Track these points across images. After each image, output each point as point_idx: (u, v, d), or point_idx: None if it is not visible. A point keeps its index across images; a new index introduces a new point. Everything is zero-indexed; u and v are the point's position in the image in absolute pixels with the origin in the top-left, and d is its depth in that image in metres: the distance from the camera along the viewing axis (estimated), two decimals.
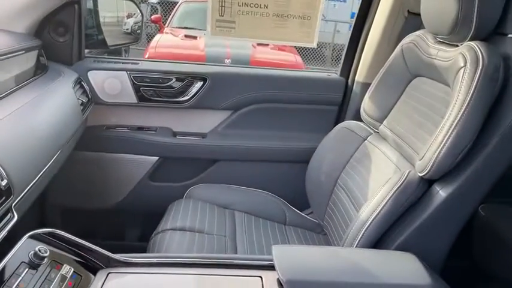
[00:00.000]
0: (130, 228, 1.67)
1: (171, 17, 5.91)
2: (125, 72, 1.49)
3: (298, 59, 4.98)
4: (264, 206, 1.45)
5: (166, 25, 5.71)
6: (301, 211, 1.49)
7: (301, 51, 6.52)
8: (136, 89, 1.50)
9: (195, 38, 4.88)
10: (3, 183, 0.77)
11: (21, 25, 1.28)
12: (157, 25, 6.41)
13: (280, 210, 1.45)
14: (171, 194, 1.49)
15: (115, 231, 1.66)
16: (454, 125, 0.89)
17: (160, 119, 1.59)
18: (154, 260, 0.88)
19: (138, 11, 1.94)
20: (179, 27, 5.42)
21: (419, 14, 1.15)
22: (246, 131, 1.59)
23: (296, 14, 1.43)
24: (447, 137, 0.90)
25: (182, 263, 0.88)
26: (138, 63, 1.54)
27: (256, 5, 1.43)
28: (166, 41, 4.87)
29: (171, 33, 5.24)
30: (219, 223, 1.30)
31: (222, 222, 1.31)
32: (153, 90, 1.51)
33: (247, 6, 1.43)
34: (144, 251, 1.21)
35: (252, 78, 1.57)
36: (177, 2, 6.34)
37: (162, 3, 8.18)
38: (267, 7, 1.43)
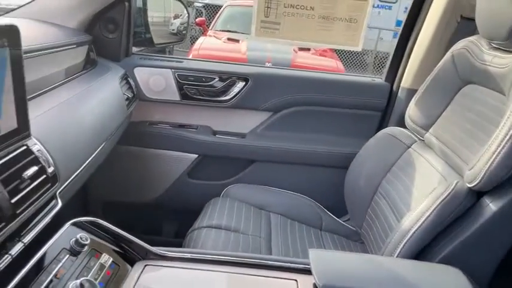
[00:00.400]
0: (167, 223, 1.70)
1: (215, 20, 6.00)
2: (169, 70, 1.51)
3: (340, 65, 4.92)
4: (301, 209, 1.43)
5: (209, 28, 5.80)
6: (338, 217, 1.46)
7: (341, 57, 6.44)
8: (180, 87, 1.52)
9: (237, 41, 4.94)
10: (50, 170, 0.79)
11: (74, 20, 1.33)
12: (201, 28, 6.53)
13: (316, 215, 1.42)
14: (208, 191, 1.50)
15: (152, 226, 1.69)
16: (510, 134, 0.84)
17: (201, 118, 1.60)
18: (190, 256, 0.88)
19: (185, 12, 1.97)
20: (222, 30, 5.49)
21: (473, 19, 1.10)
22: (286, 133, 1.58)
23: (342, 17, 1.41)
24: (501, 147, 0.85)
25: (217, 260, 0.88)
26: (182, 62, 1.57)
27: (302, 7, 1.42)
28: (209, 43, 4.95)
29: (214, 36, 5.32)
30: (255, 224, 1.29)
31: (257, 223, 1.30)
32: (195, 89, 1.53)
33: (293, 7, 1.42)
34: (180, 247, 1.22)
35: (294, 80, 1.56)
36: (221, 6, 6.44)
37: (207, 7, 8.32)
38: (313, 9, 1.42)
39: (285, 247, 1.22)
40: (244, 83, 1.53)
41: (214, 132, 1.61)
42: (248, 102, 1.56)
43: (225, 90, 1.54)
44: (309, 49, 4.99)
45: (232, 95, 1.54)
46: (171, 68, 1.52)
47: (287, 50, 4.71)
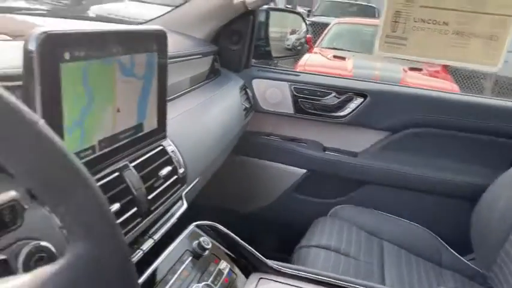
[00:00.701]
0: (270, 236, 1.68)
1: (321, 37, 6.00)
2: (286, 83, 1.51)
3: (455, 87, 4.57)
4: (417, 240, 1.30)
5: (315, 45, 5.81)
6: (460, 255, 1.30)
7: (454, 79, 5.96)
8: (295, 100, 1.51)
9: (343, 58, 4.87)
10: (181, 171, 0.82)
11: (202, 32, 1.39)
12: (307, 45, 6.57)
13: (435, 249, 1.29)
14: (314, 209, 1.46)
15: (254, 237, 1.69)
16: None
17: (312, 132, 1.57)
18: (305, 275, 0.84)
19: (302, 27, 1.98)
20: (328, 48, 5.46)
21: None
22: (404, 156, 1.47)
23: (481, 33, 1.28)
24: None
25: (331, 283, 0.83)
26: (299, 75, 1.55)
27: (434, 22, 1.32)
28: (315, 60, 4.95)
29: (319, 53, 5.31)
30: (366, 249, 1.21)
31: (369, 249, 1.22)
32: (310, 103, 1.50)
33: (424, 22, 1.33)
34: (281, 261, 1.19)
35: (418, 99, 1.45)
36: (327, 24, 6.43)
37: (313, 25, 8.37)
38: (447, 24, 1.31)
39: (399, 279, 1.12)
40: (362, 99, 1.46)
41: (325, 149, 1.57)
42: (364, 119, 1.48)
43: (340, 106, 1.49)
44: (420, 69, 4.73)
45: (348, 111, 1.48)
46: (287, 81, 1.52)
47: (396, 69, 4.51)
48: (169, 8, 1.46)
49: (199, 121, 1.05)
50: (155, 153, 0.76)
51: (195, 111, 1.06)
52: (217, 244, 0.84)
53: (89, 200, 0.33)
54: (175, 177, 0.79)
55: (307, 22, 8.64)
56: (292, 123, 1.57)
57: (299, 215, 1.49)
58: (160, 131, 0.78)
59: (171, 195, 0.77)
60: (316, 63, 4.82)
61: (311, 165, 1.54)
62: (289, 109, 1.53)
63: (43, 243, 0.47)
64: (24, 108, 0.28)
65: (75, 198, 0.32)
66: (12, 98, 0.27)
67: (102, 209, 0.34)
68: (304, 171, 1.55)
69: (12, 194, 0.40)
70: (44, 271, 0.31)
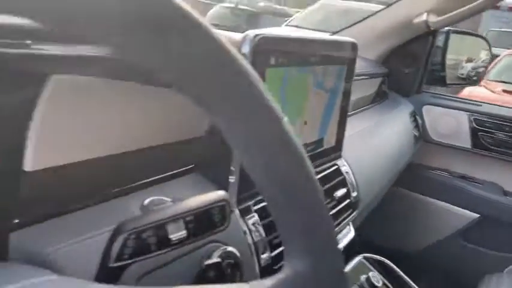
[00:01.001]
0: (426, 285, 1.49)
1: (488, 69, 5.36)
2: (464, 113, 1.34)
3: None
4: None
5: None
6: None
7: None
8: (474, 133, 1.32)
9: None
10: (354, 194, 0.75)
11: (374, 52, 1.32)
12: None
13: None
14: (485, 261, 1.24)
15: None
16: None
17: (491, 172, 1.35)
18: None
19: (481, 55, 1.77)
20: (496, 81, 4.85)
21: None
22: None
23: None
24: None
25: None
26: (481, 105, 1.36)
27: None
28: (480, 93, 4.43)
29: (484, 86, 4.75)
30: None
31: None
32: (493, 138, 1.30)
33: None
34: None
35: None
36: (495, 55, 5.73)
37: None
38: None
39: None
40: None
41: (505, 193, 1.33)
42: None
43: None
44: None
45: None
46: (466, 110, 1.34)
47: None
48: (326, 34, 1.42)
49: (370, 144, 0.98)
50: (331, 172, 0.71)
51: (365, 133, 1.00)
52: (387, 282, 0.75)
53: (317, 211, 0.29)
54: (348, 200, 0.73)
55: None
56: (467, 158, 1.37)
57: (464, 265, 1.29)
58: (337, 149, 0.73)
59: (343, 220, 0.71)
60: (481, 96, 4.30)
61: (486, 210, 1.32)
62: (465, 142, 1.34)
63: (230, 248, 0.46)
64: (273, 103, 0.25)
65: (306, 206, 0.28)
66: (267, 93, 0.25)
67: (327, 222, 0.29)
68: (476, 215, 1.33)
69: (221, 193, 0.39)
70: (261, 284, 0.28)
